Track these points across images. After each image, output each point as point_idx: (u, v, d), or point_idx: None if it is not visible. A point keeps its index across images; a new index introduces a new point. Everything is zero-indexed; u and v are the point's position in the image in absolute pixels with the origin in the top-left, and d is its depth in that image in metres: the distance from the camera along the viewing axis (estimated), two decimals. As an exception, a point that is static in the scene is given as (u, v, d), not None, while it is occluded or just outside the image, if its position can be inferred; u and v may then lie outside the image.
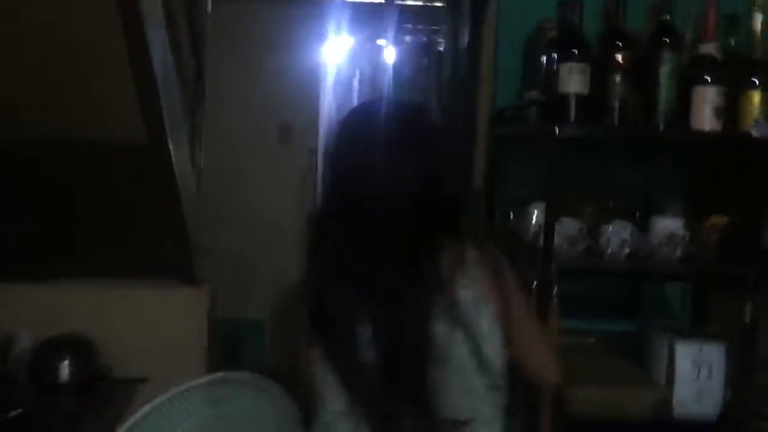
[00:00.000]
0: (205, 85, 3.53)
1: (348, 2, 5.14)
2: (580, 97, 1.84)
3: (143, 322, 2.71)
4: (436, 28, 5.17)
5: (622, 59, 1.84)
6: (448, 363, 1.23)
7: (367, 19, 5.30)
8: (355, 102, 5.29)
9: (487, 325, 1.25)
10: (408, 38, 5.36)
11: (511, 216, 2.22)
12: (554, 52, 1.93)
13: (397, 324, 1.22)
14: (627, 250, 1.89)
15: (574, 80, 1.83)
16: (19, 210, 2.43)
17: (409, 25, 5.30)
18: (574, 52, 1.85)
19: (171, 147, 2.25)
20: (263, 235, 3.63)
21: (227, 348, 3.40)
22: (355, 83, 5.41)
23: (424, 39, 5.28)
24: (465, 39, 3.46)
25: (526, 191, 2.26)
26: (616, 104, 1.85)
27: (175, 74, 2.27)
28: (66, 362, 2.48)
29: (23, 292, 2.60)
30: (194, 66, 2.88)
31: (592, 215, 2.18)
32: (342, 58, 5.26)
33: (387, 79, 5.29)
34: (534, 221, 2.05)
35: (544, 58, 2.04)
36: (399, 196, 1.26)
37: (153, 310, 2.72)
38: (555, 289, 1.67)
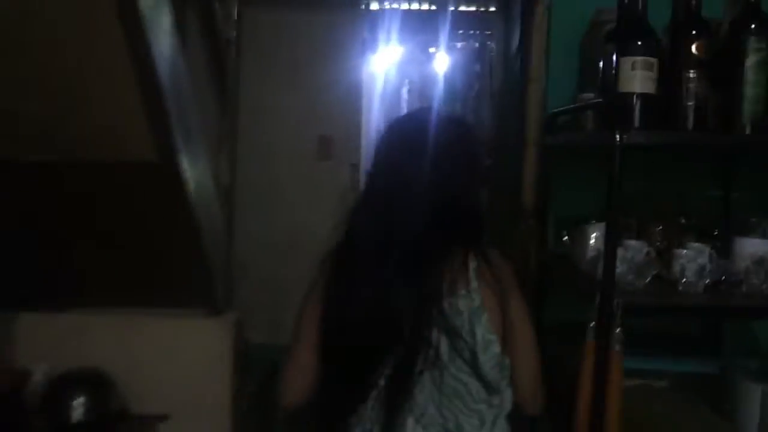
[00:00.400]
0: (237, 97, 3.34)
1: (395, 10, 4.96)
2: (646, 98, 1.53)
3: (163, 354, 2.50)
4: (489, 33, 4.92)
5: (699, 51, 1.53)
6: (444, 368, 1.28)
7: (415, 27, 5.10)
8: (402, 111, 5.08)
9: (482, 333, 1.30)
10: (459, 45, 5.12)
11: (565, 237, 1.92)
12: (614, 46, 1.62)
13: (390, 324, 1.29)
14: (706, 280, 1.56)
15: (638, 77, 1.52)
16: (35, 237, 2.26)
17: (461, 32, 5.07)
18: (638, 44, 1.54)
19: (183, 163, 2.03)
20: (302, 256, 3.36)
21: (261, 377, 3.19)
22: (404, 93, 5.18)
23: (476, 45, 5.04)
24: (515, 42, 3.19)
25: (582, 208, 1.96)
26: (692, 105, 1.52)
27: (188, 85, 2.05)
28: (81, 399, 2.30)
29: (39, 323, 2.42)
30: (218, 76, 2.67)
31: (661, 236, 1.86)
32: (389, 68, 5.05)
33: (437, 88, 5.06)
34: (592, 244, 1.74)
35: (601, 54, 1.73)
36: (422, 202, 1.33)
37: (174, 342, 2.51)
38: (618, 329, 1.36)
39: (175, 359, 2.48)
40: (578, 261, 1.75)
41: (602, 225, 1.74)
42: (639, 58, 1.53)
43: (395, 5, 4.98)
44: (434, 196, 1.35)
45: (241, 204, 3.42)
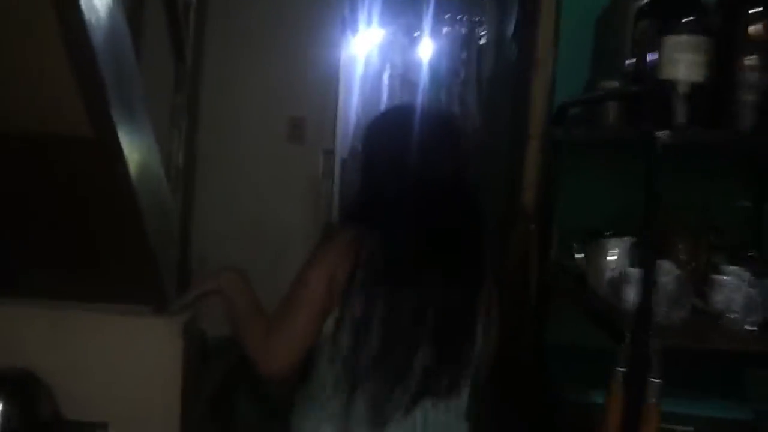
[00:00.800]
0: (199, 68, 2.98)
1: None
2: (693, 87, 1.23)
3: (104, 355, 2.17)
4: (478, 18, 4.64)
5: (760, 32, 1.23)
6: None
7: (399, 9, 4.80)
8: (382, 97, 4.78)
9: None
10: (445, 30, 4.81)
11: (580, 255, 1.62)
12: (651, 23, 1.32)
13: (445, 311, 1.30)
14: (757, 316, 1.27)
15: (684, 62, 1.23)
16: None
17: (447, 16, 4.77)
18: (684, 21, 1.25)
19: (122, 139, 1.69)
20: (268, 247, 3.06)
21: (218, 373, 2.90)
22: (385, 78, 4.87)
23: (463, 30, 4.73)
24: (511, 27, 2.89)
25: (595, 215, 1.67)
26: (749, 98, 1.23)
27: (130, 51, 1.70)
28: (3, 404, 1.98)
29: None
30: (175, 44, 2.31)
31: (686, 255, 1.57)
32: (370, 51, 4.73)
33: (420, 74, 4.75)
34: (611, 262, 1.45)
35: (632, 34, 1.43)
36: (428, 192, 1.33)
37: (116, 342, 2.17)
38: (656, 379, 1.07)
39: (118, 361, 2.15)
40: (593, 281, 1.46)
41: (623, 240, 1.47)
42: (685, 38, 1.24)
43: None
44: (437, 187, 1.35)
45: (201, 189, 3.07)
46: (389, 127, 1.43)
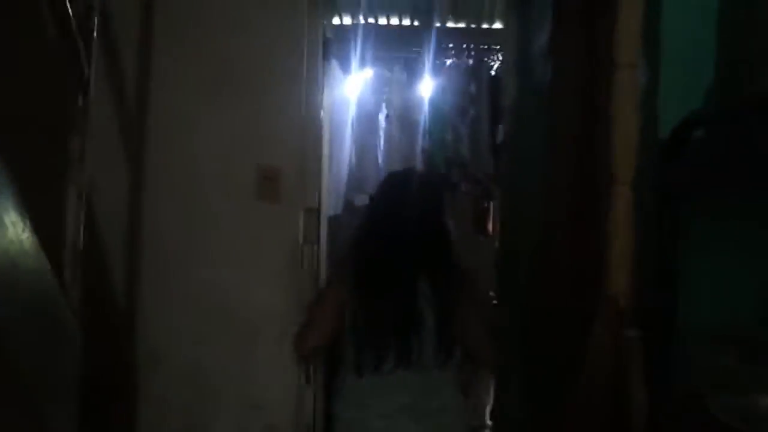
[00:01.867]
0: (143, 108, 2.30)
1: (371, 25, 4.14)
2: None
3: None
4: (486, 47, 4.08)
5: None
6: None
7: (395, 43, 4.27)
8: (379, 141, 4.19)
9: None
10: (449, 62, 4.22)
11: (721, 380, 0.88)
12: None
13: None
14: None
15: None
16: None
17: (450, 46, 4.24)
18: None
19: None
20: (232, 336, 2.34)
21: None
22: (381, 120, 4.22)
23: (470, 61, 4.14)
24: (542, 36, 2.23)
25: (745, 312, 0.94)
26: None
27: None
28: None
29: None
30: (71, 63, 1.60)
31: None
32: (363, 90, 4.12)
33: (421, 114, 4.13)
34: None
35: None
36: (420, 229, 1.73)
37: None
38: None
39: None
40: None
41: None
42: None
43: (371, 20, 4.15)
44: (424, 228, 1.73)
45: (149, 266, 2.35)
46: (388, 189, 1.84)
